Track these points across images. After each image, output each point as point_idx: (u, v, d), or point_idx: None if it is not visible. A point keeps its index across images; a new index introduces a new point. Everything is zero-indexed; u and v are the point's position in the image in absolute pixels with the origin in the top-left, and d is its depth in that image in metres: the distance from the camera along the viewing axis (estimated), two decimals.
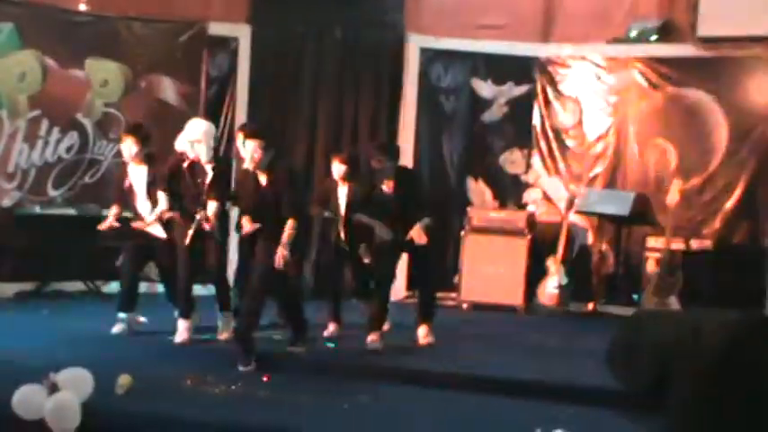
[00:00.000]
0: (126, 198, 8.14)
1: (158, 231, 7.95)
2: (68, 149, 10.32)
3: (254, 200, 7.31)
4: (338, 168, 8.46)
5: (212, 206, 7.73)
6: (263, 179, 7.23)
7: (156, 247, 8.07)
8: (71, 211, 10.19)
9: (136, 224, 8.01)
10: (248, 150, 7.14)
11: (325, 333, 8.42)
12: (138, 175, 8.08)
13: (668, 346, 6.03)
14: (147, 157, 8.08)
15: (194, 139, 7.81)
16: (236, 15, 10.95)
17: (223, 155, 9.98)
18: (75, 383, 5.68)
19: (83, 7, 10.57)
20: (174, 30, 10.69)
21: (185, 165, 7.80)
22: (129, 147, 8.03)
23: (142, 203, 8.09)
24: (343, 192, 8.47)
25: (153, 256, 8.32)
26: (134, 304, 8.18)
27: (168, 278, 8.27)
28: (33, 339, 7.63)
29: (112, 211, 8.09)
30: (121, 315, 8.09)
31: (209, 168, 7.81)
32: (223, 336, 8.07)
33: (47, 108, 10.16)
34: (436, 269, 8.52)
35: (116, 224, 8.04)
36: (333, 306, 8.57)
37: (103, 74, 10.44)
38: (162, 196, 7.93)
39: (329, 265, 8.74)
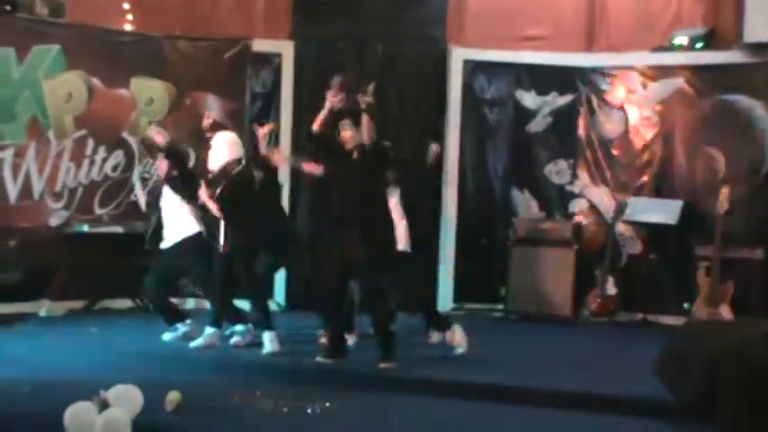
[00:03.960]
0: None
1: None
2: (114, 168, 10.41)
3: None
4: None
5: None
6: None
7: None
8: (118, 229, 10.27)
9: None
10: None
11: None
12: None
13: (719, 357, 5.96)
14: None
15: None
16: (279, 32, 11.01)
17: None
18: (126, 400, 5.70)
19: (128, 27, 10.69)
20: (217, 47, 10.76)
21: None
22: None
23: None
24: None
25: None
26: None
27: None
28: (83, 357, 7.69)
29: None
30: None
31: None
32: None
33: (93, 127, 10.26)
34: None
35: None
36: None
37: (149, 92, 10.53)
38: None
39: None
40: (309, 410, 6.31)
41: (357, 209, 7.44)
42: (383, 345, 7.52)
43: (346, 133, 7.48)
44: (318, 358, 7.58)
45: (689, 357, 6.25)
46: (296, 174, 9.54)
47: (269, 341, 7.95)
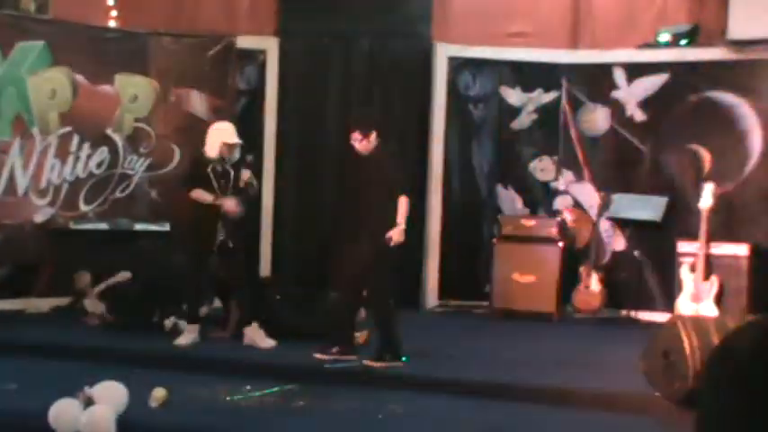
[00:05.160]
0: None
1: None
2: (99, 165, 10.37)
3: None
4: None
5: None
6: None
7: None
8: (103, 226, 10.25)
9: None
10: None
11: None
12: None
13: (703, 352, 5.99)
14: None
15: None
16: (264, 28, 10.99)
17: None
18: (110, 397, 5.70)
19: (112, 24, 10.67)
20: (202, 44, 10.73)
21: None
22: None
23: None
24: None
25: None
26: None
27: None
28: (67, 354, 7.68)
29: None
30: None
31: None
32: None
33: (77, 124, 10.22)
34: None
35: None
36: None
37: (133, 89, 10.50)
38: None
39: None
40: (295, 405, 6.32)
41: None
42: (384, 343, 7.52)
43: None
44: (316, 354, 7.57)
45: (674, 354, 6.28)
46: None
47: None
